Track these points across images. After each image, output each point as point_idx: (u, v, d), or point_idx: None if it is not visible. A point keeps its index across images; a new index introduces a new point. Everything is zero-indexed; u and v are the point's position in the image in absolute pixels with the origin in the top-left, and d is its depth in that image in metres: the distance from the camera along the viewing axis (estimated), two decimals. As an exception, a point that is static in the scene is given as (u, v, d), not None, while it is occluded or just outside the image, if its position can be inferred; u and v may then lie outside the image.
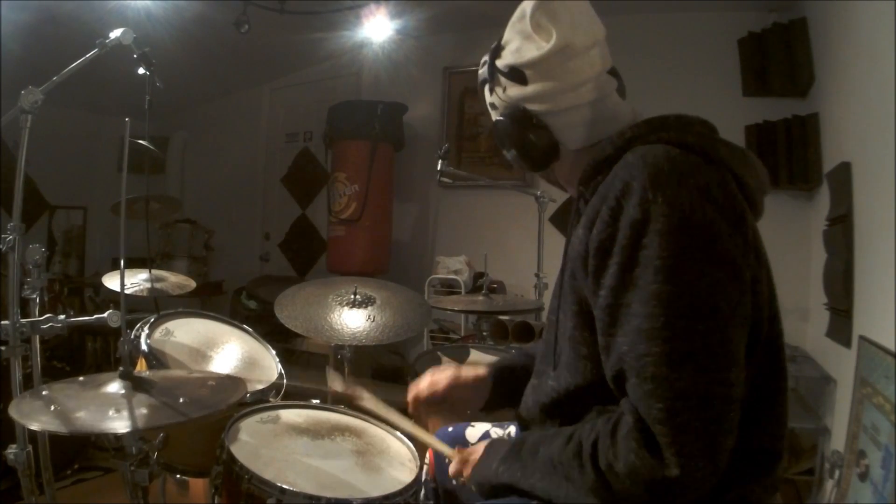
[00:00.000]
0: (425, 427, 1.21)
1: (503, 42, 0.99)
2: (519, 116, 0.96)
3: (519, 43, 0.95)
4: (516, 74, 0.95)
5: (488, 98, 1.03)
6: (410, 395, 1.18)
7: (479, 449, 1.00)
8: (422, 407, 1.16)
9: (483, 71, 1.02)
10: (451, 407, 1.17)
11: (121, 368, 1.12)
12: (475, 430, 1.28)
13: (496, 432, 1.27)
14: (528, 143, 0.97)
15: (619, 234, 0.77)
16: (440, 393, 1.14)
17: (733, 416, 0.72)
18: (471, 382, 1.17)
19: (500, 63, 0.98)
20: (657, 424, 0.71)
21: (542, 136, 0.96)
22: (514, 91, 0.96)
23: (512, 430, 1.26)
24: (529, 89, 0.94)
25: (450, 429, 1.31)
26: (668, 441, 0.70)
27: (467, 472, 1.00)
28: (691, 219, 0.74)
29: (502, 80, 0.97)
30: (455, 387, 1.15)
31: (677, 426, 0.70)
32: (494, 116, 1.02)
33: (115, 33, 1.58)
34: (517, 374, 1.18)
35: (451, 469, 1.03)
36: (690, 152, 0.80)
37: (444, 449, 1.08)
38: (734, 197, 0.79)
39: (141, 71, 1.68)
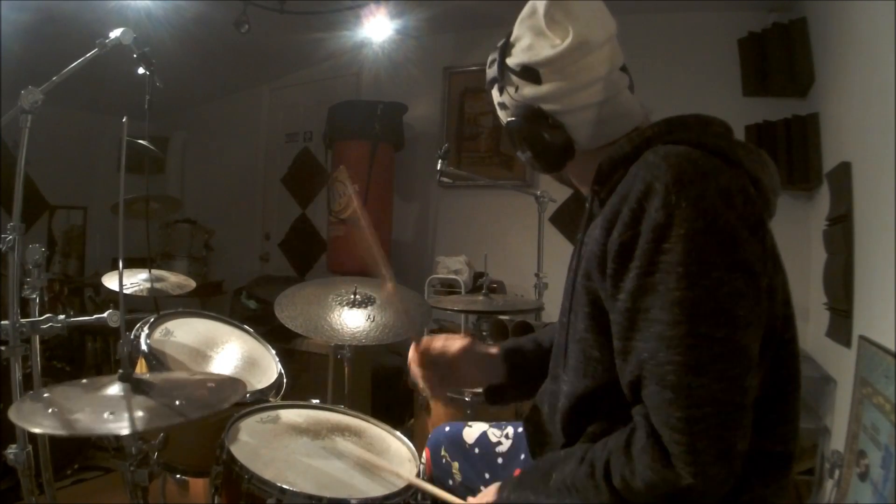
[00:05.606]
0: (426, 391, 1.17)
1: (512, 39, 0.94)
2: (533, 116, 0.92)
3: (531, 40, 0.90)
4: (529, 73, 0.90)
5: (497, 98, 0.99)
6: (420, 347, 1.14)
7: (490, 491, 1.00)
8: (426, 361, 1.12)
9: (492, 70, 0.97)
10: (455, 376, 1.13)
11: (120, 371, 1.12)
12: (472, 431, 1.27)
13: (494, 433, 1.25)
14: (544, 144, 0.93)
15: (641, 238, 0.75)
16: (450, 355, 1.11)
17: (746, 422, 0.72)
18: (482, 357, 1.14)
19: (510, 62, 0.93)
20: (675, 433, 0.70)
21: (558, 135, 0.92)
22: (528, 90, 0.91)
23: (510, 430, 1.25)
24: (544, 88, 0.90)
25: (447, 428, 1.30)
26: (683, 449, 0.70)
27: None
28: (714, 224, 0.73)
29: (514, 79, 0.93)
30: (466, 355, 1.12)
31: (694, 433, 0.70)
32: (505, 117, 0.98)
33: (115, 33, 1.58)
34: (527, 356, 1.17)
35: None
36: (710, 153, 0.79)
37: (455, 501, 1.07)
38: (753, 202, 0.78)
39: (141, 71, 1.68)
